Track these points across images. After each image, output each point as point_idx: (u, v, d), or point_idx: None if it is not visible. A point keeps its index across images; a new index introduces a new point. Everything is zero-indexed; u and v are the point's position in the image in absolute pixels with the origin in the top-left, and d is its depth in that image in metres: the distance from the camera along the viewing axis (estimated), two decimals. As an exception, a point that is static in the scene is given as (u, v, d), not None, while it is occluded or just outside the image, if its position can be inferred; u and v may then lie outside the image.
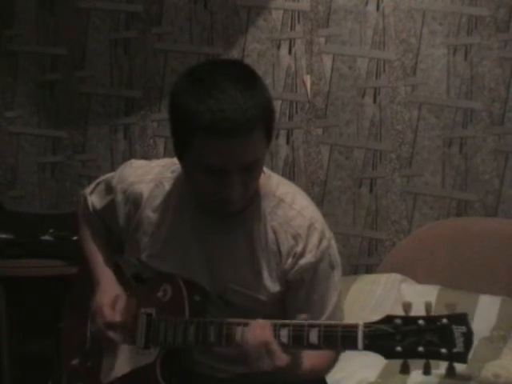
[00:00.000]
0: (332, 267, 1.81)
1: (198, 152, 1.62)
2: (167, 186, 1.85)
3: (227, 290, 1.79)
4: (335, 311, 1.82)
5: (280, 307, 1.82)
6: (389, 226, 3.34)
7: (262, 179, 1.78)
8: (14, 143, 3.48)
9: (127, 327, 1.85)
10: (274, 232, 1.78)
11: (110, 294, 1.88)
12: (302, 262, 1.77)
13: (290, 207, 1.79)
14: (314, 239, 1.77)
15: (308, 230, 1.77)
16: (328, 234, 1.81)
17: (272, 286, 1.79)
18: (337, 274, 1.82)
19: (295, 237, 1.77)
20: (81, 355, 1.98)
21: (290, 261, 1.77)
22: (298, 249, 1.77)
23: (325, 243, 1.78)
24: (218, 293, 1.80)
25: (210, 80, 1.62)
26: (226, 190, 1.65)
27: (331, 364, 1.84)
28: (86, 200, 2.02)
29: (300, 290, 1.79)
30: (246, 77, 1.66)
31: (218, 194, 1.66)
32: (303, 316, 1.64)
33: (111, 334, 1.84)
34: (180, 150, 1.68)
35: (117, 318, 1.83)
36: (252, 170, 1.66)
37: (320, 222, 1.80)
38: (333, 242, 1.82)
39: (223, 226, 1.79)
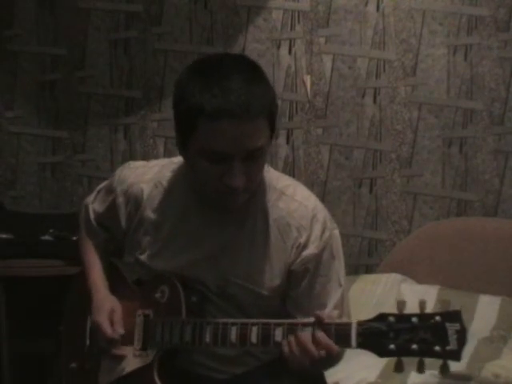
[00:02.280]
0: (333, 257, 1.82)
1: (203, 137, 1.62)
2: (167, 185, 1.85)
3: (229, 284, 1.80)
4: (339, 306, 1.81)
5: (279, 301, 1.83)
6: (389, 226, 3.34)
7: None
8: (14, 143, 3.48)
9: (126, 332, 1.85)
10: (278, 226, 1.79)
11: (104, 310, 1.87)
12: (306, 252, 1.78)
13: (291, 199, 1.80)
14: (317, 230, 1.78)
15: (311, 221, 1.78)
16: (330, 224, 1.82)
17: (273, 279, 1.80)
18: (338, 264, 1.83)
19: (298, 228, 1.78)
20: (80, 357, 1.98)
21: (294, 252, 1.78)
22: (302, 240, 1.78)
23: (327, 234, 1.80)
24: (219, 287, 1.81)
25: (215, 70, 1.64)
26: (229, 179, 1.64)
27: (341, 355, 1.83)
28: (87, 209, 2.03)
29: (303, 281, 1.80)
30: (251, 68, 1.68)
31: (222, 184, 1.66)
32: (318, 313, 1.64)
33: (116, 350, 1.85)
34: (184, 138, 1.68)
35: (117, 333, 1.83)
36: (255, 160, 1.66)
37: (322, 212, 1.82)
38: (335, 231, 1.84)
39: (225, 221, 1.79)
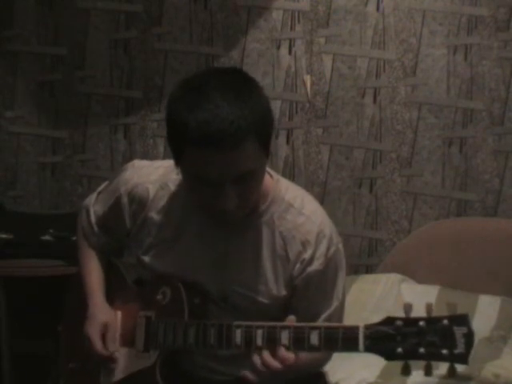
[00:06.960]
0: (336, 273, 1.82)
1: (190, 163, 1.62)
2: (172, 187, 1.83)
3: (231, 293, 1.79)
4: (333, 319, 1.82)
5: (281, 311, 1.82)
6: (389, 226, 3.34)
7: (271, 183, 1.79)
8: (14, 143, 3.48)
9: (127, 333, 1.85)
10: (283, 237, 1.78)
11: (97, 323, 1.86)
12: (310, 269, 1.78)
13: (299, 212, 1.78)
14: (323, 247, 1.78)
15: (317, 236, 1.77)
16: (336, 239, 1.82)
17: (278, 290, 1.80)
18: (340, 279, 1.83)
19: (304, 243, 1.77)
20: (80, 357, 1.98)
21: (297, 267, 1.78)
22: (307, 256, 1.77)
23: (332, 249, 1.80)
24: (221, 294, 1.80)
25: (201, 90, 1.60)
26: (220, 202, 1.63)
27: (328, 357, 1.85)
28: (88, 212, 2.00)
29: (305, 294, 1.80)
30: (238, 86, 1.62)
31: (214, 205, 1.65)
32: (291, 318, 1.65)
33: (104, 365, 1.86)
34: (175, 158, 1.69)
35: (107, 352, 1.84)
36: (247, 182, 1.63)
37: (329, 227, 1.81)
38: (340, 246, 1.83)
39: (231, 228, 1.78)
